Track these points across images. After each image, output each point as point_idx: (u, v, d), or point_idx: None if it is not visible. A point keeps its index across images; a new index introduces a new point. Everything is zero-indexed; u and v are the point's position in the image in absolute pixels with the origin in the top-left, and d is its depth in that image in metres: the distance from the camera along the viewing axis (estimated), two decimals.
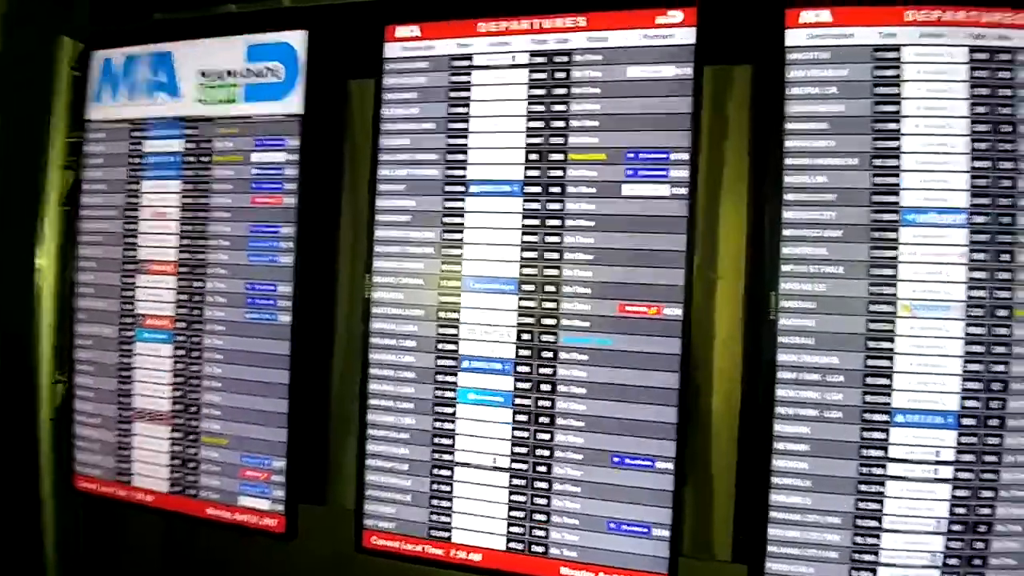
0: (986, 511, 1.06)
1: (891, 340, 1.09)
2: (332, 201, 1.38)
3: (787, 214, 1.11)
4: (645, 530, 1.15)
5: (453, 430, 1.24)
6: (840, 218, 1.11)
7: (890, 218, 1.10)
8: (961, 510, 1.06)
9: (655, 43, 1.16)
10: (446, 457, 1.24)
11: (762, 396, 1.11)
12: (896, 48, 1.10)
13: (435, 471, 1.25)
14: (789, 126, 1.12)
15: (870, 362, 1.09)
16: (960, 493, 1.06)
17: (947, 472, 1.07)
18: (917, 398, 1.08)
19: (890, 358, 1.09)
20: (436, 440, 1.25)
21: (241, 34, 1.38)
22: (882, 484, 1.09)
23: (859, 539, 1.09)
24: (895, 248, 1.09)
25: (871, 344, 1.09)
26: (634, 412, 1.15)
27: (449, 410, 1.24)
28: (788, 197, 1.11)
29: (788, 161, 1.11)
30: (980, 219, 1.08)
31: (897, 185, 1.10)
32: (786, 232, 1.11)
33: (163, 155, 1.47)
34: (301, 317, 1.33)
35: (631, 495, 1.16)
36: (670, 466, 1.14)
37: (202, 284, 1.41)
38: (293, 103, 1.35)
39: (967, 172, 1.09)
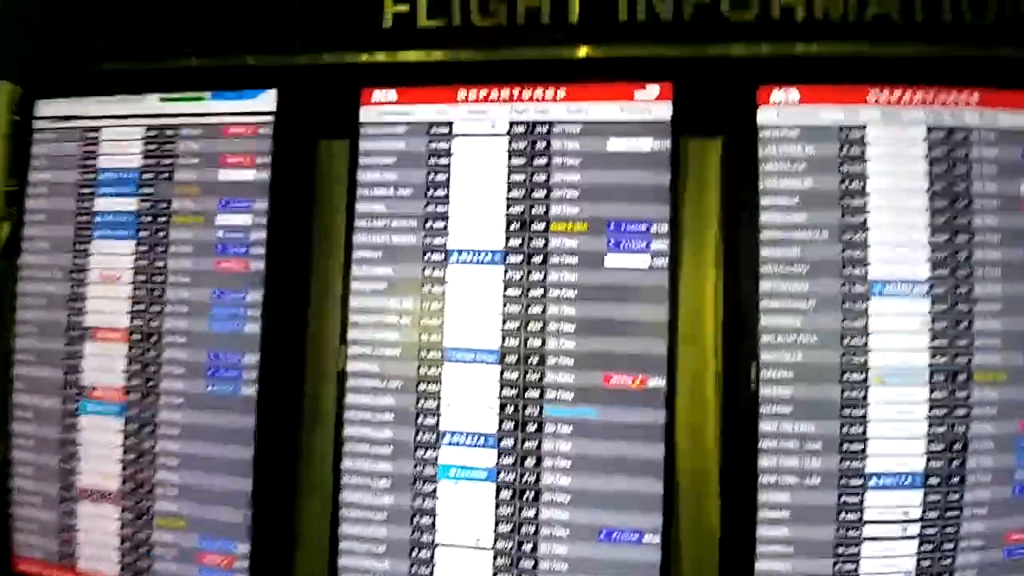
0: (947, 561, 1.06)
1: (864, 407, 1.10)
2: (302, 267, 1.29)
3: (764, 285, 1.11)
4: None
5: (434, 508, 1.16)
6: (813, 289, 1.11)
7: (860, 289, 1.11)
8: (926, 562, 1.07)
9: (633, 117, 1.16)
10: (426, 537, 1.16)
11: (745, 465, 1.09)
12: (861, 127, 1.13)
13: (415, 552, 1.16)
14: (763, 200, 1.12)
15: (845, 429, 1.09)
16: (925, 548, 1.06)
17: (914, 529, 1.08)
18: (888, 462, 1.09)
19: (863, 424, 1.09)
20: (416, 519, 1.17)
21: (205, 90, 1.28)
22: (858, 545, 1.08)
23: None
24: (865, 318, 1.11)
25: (845, 412, 1.09)
26: (620, 484, 1.11)
27: (429, 487, 1.16)
28: (764, 269, 1.11)
29: (763, 235, 1.12)
30: (939, 289, 1.11)
31: (865, 258, 1.11)
32: (764, 303, 1.11)
33: (115, 214, 1.34)
34: (268, 389, 1.23)
35: (619, 571, 1.11)
36: (657, 539, 1.10)
37: (157, 354, 1.28)
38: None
39: (927, 245, 1.11)
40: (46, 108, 1.39)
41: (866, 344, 1.11)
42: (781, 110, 1.15)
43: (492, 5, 1.21)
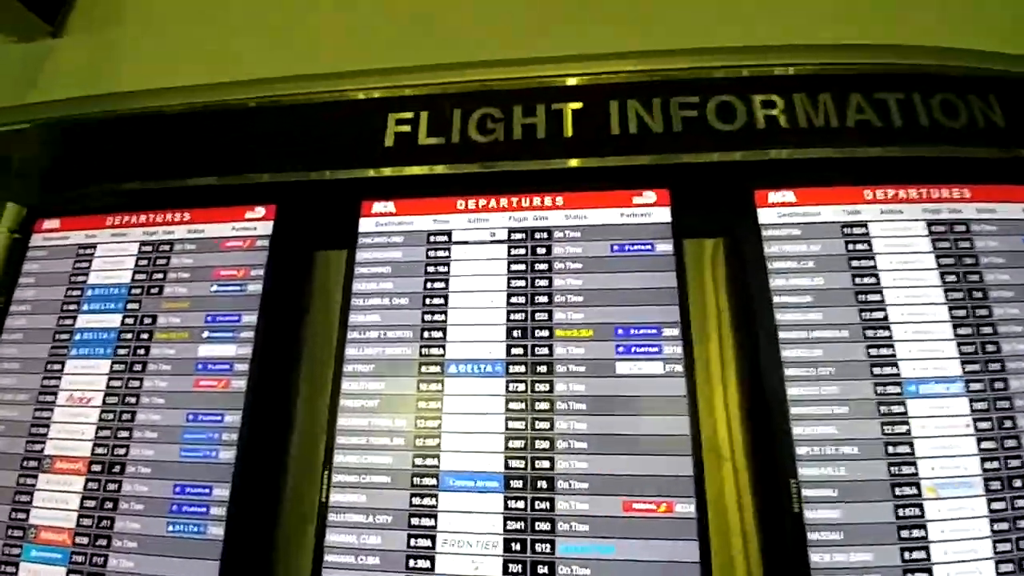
0: None
1: (923, 528, 0.90)
2: (286, 385, 1.13)
3: (791, 390, 0.96)
4: None
5: None
6: (843, 393, 0.96)
7: (894, 391, 0.96)
8: None
9: (633, 221, 1.09)
10: None
11: None
12: (863, 224, 1.06)
13: None
14: (776, 299, 1.01)
15: (906, 555, 0.88)
16: None
17: None
18: None
19: (925, 548, 0.88)
20: None
21: (210, 207, 1.22)
22: None
23: None
24: (906, 423, 0.95)
25: (903, 534, 0.89)
26: None
27: None
28: (788, 372, 0.97)
29: (783, 335, 0.99)
30: (976, 386, 0.96)
31: (893, 356, 0.98)
32: (793, 410, 0.95)
33: (95, 330, 1.20)
34: (236, 529, 1.01)
35: None
36: None
37: (116, 487, 1.08)
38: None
39: (953, 339, 0.99)
40: (44, 226, 1.32)
41: (912, 451, 0.94)
42: (781, 211, 1.09)
43: (489, 123, 1.19)
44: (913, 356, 1.01)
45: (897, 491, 0.93)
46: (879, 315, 1.03)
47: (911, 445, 0.96)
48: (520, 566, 0.94)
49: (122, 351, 1.20)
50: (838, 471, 0.94)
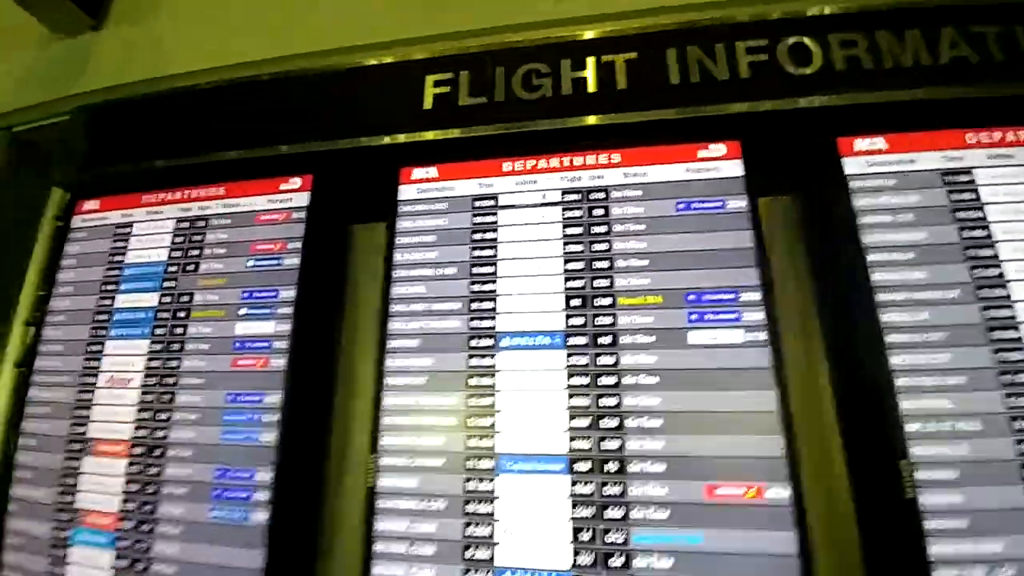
0: None
1: None
2: (328, 363, 1.03)
3: (894, 359, 0.81)
4: None
5: None
6: (957, 361, 0.81)
7: (1016, 357, 0.81)
8: None
9: (700, 177, 0.95)
10: None
11: None
12: (967, 171, 0.90)
13: None
14: (871, 257, 0.86)
15: None
16: None
17: None
18: None
19: None
20: None
21: (249, 179, 1.13)
22: None
23: None
24: None
25: None
26: None
27: None
28: (890, 339, 0.82)
29: (880, 297, 0.84)
30: None
31: (1013, 318, 0.82)
32: (899, 382, 0.80)
33: (133, 310, 1.13)
34: (282, 515, 0.91)
35: None
36: None
37: (157, 471, 1.00)
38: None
39: None
40: (84, 207, 1.26)
41: None
42: (870, 159, 0.93)
43: (535, 79, 1.07)
44: None
45: None
46: (993, 272, 0.87)
47: None
48: (591, 556, 0.82)
49: (160, 331, 1.13)
50: (957, 450, 0.79)
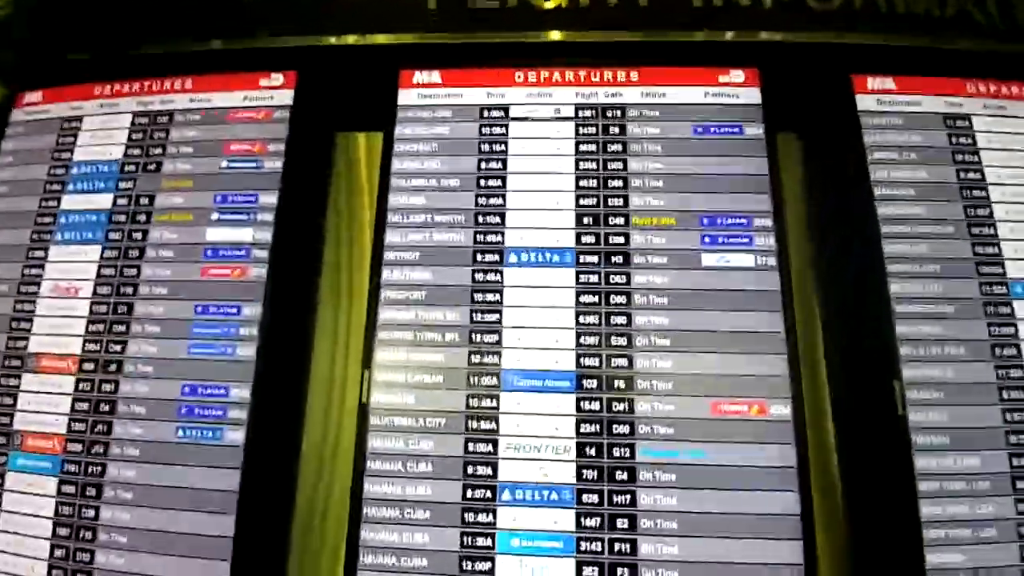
0: None
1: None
2: (311, 273, 0.93)
3: (894, 287, 0.82)
4: None
5: None
6: (949, 291, 0.83)
7: (1000, 291, 0.83)
8: None
9: (719, 101, 0.92)
10: None
11: (905, 520, 0.74)
12: (966, 117, 0.91)
13: None
14: (878, 192, 0.86)
15: (1015, 461, 0.77)
16: None
17: None
18: None
19: None
20: None
21: (223, 72, 0.98)
22: None
23: None
24: (1013, 325, 0.82)
25: (1012, 439, 0.77)
26: (744, 552, 0.73)
27: (484, 566, 0.75)
28: (891, 268, 0.83)
29: (885, 229, 0.84)
30: None
31: (999, 255, 0.85)
32: (898, 308, 0.81)
33: (83, 213, 0.97)
34: (260, 433, 0.82)
35: None
36: None
37: (112, 387, 0.87)
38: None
39: None
40: (25, 100, 1.06)
41: (1019, 354, 0.81)
42: (881, 98, 0.92)
43: None
44: (1019, 256, 0.88)
45: (1004, 395, 0.81)
46: (984, 212, 0.90)
47: (1018, 348, 0.83)
48: (595, 472, 0.79)
49: (115, 236, 0.98)
50: (945, 372, 0.82)
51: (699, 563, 0.76)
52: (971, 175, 0.91)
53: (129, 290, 0.94)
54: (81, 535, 0.85)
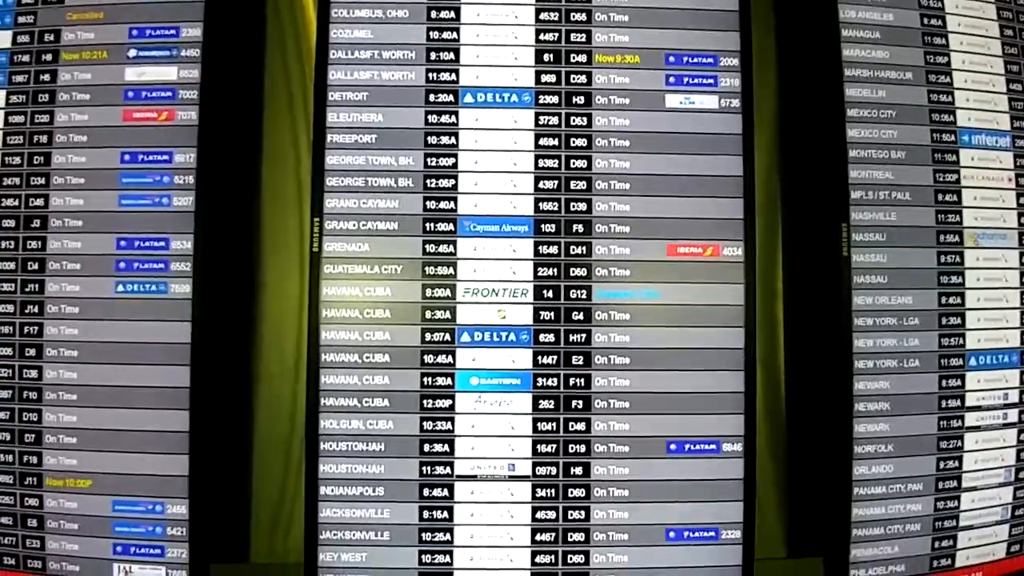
0: None
1: (961, 275, 0.77)
2: (250, 114, 0.79)
3: (851, 132, 0.76)
4: (712, 534, 0.71)
5: (451, 431, 0.71)
6: (902, 137, 0.77)
7: (948, 139, 0.79)
8: None
9: None
10: (440, 470, 0.71)
11: (838, 349, 0.73)
12: None
13: (427, 492, 0.71)
14: (845, 33, 0.77)
15: (943, 300, 0.76)
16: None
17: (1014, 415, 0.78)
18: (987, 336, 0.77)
19: (961, 295, 0.77)
20: (427, 448, 0.71)
21: None
22: (960, 439, 0.76)
23: (940, 504, 0.75)
24: (956, 172, 0.78)
25: (943, 280, 0.76)
26: (691, 383, 0.72)
27: (444, 403, 0.72)
28: (851, 113, 0.76)
29: (848, 72, 0.76)
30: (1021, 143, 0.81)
31: (952, 104, 0.79)
32: (853, 152, 0.75)
33: None
34: (207, 284, 0.73)
35: (693, 492, 0.71)
36: (739, 448, 0.71)
37: (39, 244, 0.75)
38: None
39: (1005, 93, 0.81)
40: None
41: (959, 200, 0.79)
42: None
43: None
44: (970, 106, 0.82)
45: (941, 238, 0.79)
46: (942, 60, 0.83)
47: (958, 194, 0.80)
48: (552, 313, 0.74)
49: (19, 78, 0.80)
50: (889, 216, 0.78)
51: (649, 393, 0.75)
52: (933, 22, 0.83)
53: (43, 139, 0.79)
54: (25, 395, 0.76)
